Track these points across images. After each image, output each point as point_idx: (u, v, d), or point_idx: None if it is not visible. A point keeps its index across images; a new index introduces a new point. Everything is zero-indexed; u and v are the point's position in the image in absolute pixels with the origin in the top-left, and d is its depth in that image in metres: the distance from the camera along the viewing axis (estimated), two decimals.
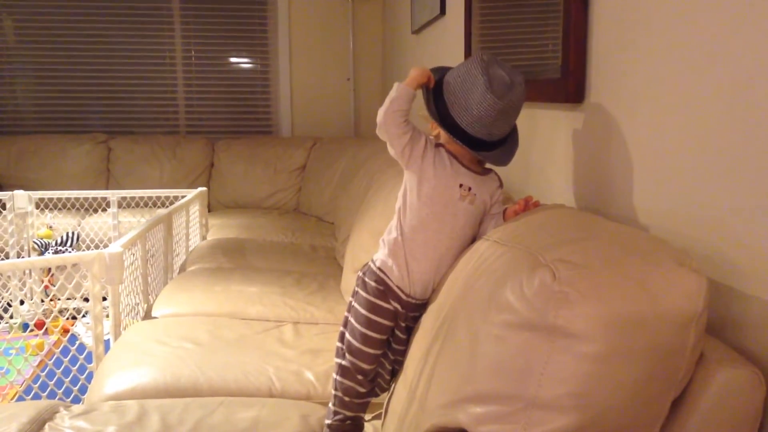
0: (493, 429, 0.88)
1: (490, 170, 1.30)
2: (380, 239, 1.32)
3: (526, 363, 0.86)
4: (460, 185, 1.24)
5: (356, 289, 1.32)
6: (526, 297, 0.87)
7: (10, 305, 3.23)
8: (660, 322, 0.82)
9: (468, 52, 2.23)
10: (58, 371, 2.01)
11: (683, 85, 1.07)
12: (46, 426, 1.32)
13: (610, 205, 1.30)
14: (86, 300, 2.00)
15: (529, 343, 0.86)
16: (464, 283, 1.12)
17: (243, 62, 4.78)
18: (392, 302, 1.27)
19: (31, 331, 2.28)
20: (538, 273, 0.87)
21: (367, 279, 1.29)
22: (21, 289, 3.22)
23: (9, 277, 3.20)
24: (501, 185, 1.31)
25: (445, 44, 2.71)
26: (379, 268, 1.28)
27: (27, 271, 3.19)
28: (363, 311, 1.28)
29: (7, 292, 3.16)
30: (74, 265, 2.11)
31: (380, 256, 1.30)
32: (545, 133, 1.64)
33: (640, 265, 0.86)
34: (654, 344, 0.82)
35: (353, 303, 1.31)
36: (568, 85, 1.40)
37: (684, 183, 1.07)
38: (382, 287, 1.27)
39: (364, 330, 1.27)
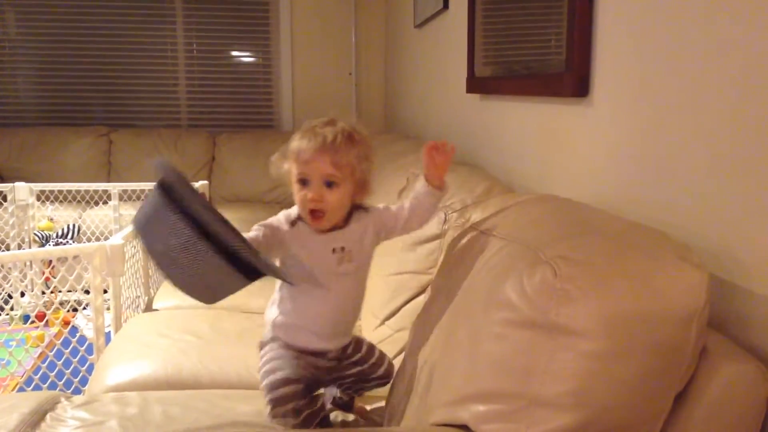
0: (496, 427, 0.88)
1: (352, 215, 1.26)
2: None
3: (527, 361, 0.85)
4: (333, 250, 1.23)
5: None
6: (527, 294, 0.87)
7: (11, 297, 3.23)
8: (662, 318, 0.82)
9: (471, 47, 2.23)
10: (59, 363, 2.01)
11: (689, 79, 1.06)
12: (47, 416, 1.32)
13: (613, 199, 1.30)
14: (87, 292, 2.00)
15: (530, 341, 0.85)
16: (462, 277, 1.12)
17: (245, 56, 4.77)
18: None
19: (32, 322, 2.28)
20: (539, 270, 0.87)
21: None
22: (22, 281, 3.22)
23: (10, 268, 3.20)
24: (367, 209, 1.28)
25: (449, 39, 2.70)
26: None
27: (28, 263, 3.19)
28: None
29: (8, 283, 3.16)
30: (75, 257, 2.12)
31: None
32: (549, 127, 1.64)
33: (642, 260, 0.86)
34: (656, 340, 0.82)
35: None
36: (572, 79, 1.40)
37: (688, 177, 1.07)
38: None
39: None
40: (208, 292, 1.08)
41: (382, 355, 1.38)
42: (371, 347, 1.37)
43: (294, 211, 1.25)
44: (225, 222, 1.07)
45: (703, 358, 0.86)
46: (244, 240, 1.07)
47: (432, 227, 1.61)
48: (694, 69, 1.05)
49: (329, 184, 1.19)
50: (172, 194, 1.00)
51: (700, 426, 0.85)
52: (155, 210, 1.02)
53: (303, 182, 1.20)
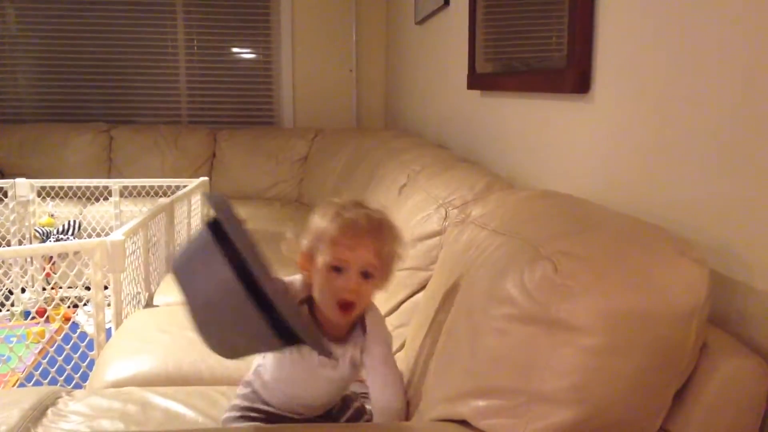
0: (496, 423, 0.88)
1: (355, 328, 1.15)
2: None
3: (528, 357, 0.85)
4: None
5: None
6: (528, 290, 0.87)
7: (11, 293, 3.23)
8: (662, 314, 0.82)
9: (473, 43, 2.22)
10: (60, 358, 2.01)
11: (691, 75, 1.06)
12: (49, 411, 1.32)
13: (614, 195, 1.29)
14: (88, 288, 2.00)
15: (531, 336, 0.85)
16: (462, 273, 1.12)
17: (245, 52, 4.76)
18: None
19: (33, 318, 2.28)
20: (540, 265, 0.87)
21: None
22: (23, 277, 3.22)
23: (11, 264, 3.20)
24: (366, 330, 1.15)
25: (450, 35, 2.70)
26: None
27: (29, 259, 3.19)
28: None
29: (8, 279, 3.16)
30: (76, 253, 2.11)
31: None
32: (549, 124, 1.64)
33: (642, 256, 0.86)
34: (656, 336, 0.82)
35: None
36: (573, 75, 1.40)
37: (689, 174, 1.07)
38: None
39: None
40: (233, 348, 0.98)
41: (375, 409, 1.19)
42: (360, 410, 1.26)
43: (297, 285, 1.14)
44: (272, 278, 0.96)
45: (704, 354, 0.86)
46: (292, 307, 0.99)
47: (432, 223, 1.61)
48: (696, 65, 1.05)
49: (366, 275, 1.08)
50: (224, 236, 0.89)
51: (700, 421, 0.86)
52: (202, 251, 0.92)
53: (337, 269, 1.08)
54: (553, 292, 0.83)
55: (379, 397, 1.15)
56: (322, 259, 1.08)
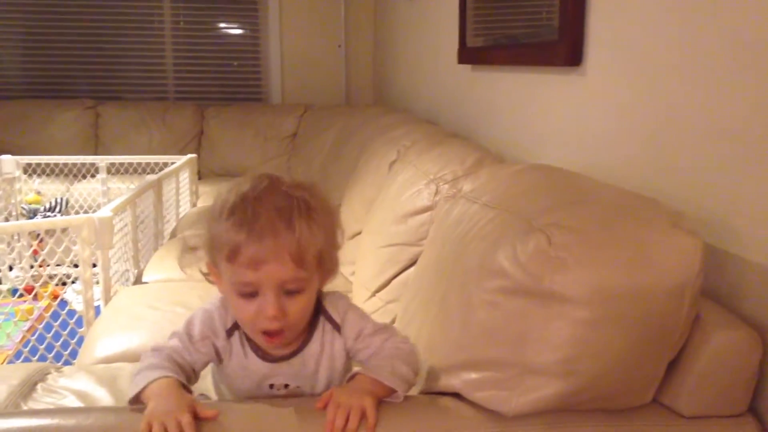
0: (488, 395, 0.88)
1: (315, 324, 0.94)
2: None
3: (520, 329, 0.85)
4: (271, 386, 0.94)
5: None
6: (521, 262, 0.86)
7: None
8: (655, 286, 0.82)
9: (463, 17, 2.20)
10: (49, 336, 2.00)
11: (685, 46, 1.05)
12: (38, 387, 1.31)
13: (607, 168, 1.29)
14: (76, 266, 1.99)
15: (523, 309, 0.85)
16: (454, 247, 1.11)
17: (233, 28, 4.70)
18: None
19: (21, 296, 2.26)
20: (533, 238, 0.86)
21: None
22: (10, 254, 3.19)
23: None
24: (337, 324, 0.95)
25: (440, 9, 2.67)
26: None
27: (15, 236, 3.16)
28: None
29: None
30: (64, 230, 2.09)
31: None
32: (541, 97, 1.63)
33: (635, 228, 0.86)
34: (649, 308, 0.82)
35: None
36: (565, 48, 1.38)
37: (681, 146, 1.06)
38: None
39: None
40: None
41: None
42: None
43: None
44: None
45: (696, 325, 0.87)
46: None
47: (423, 199, 1.60)
48: (690, 35, 1.04)
49: (289, 292, 0.85)
50: None
51: (693, 393, 0.86)
52: None
53: (248, 295, 0.85)
54: (546, 264, 0.83)
55: (387, 352, 0.95)
56: (225, 278, 0.87)
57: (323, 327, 0.95)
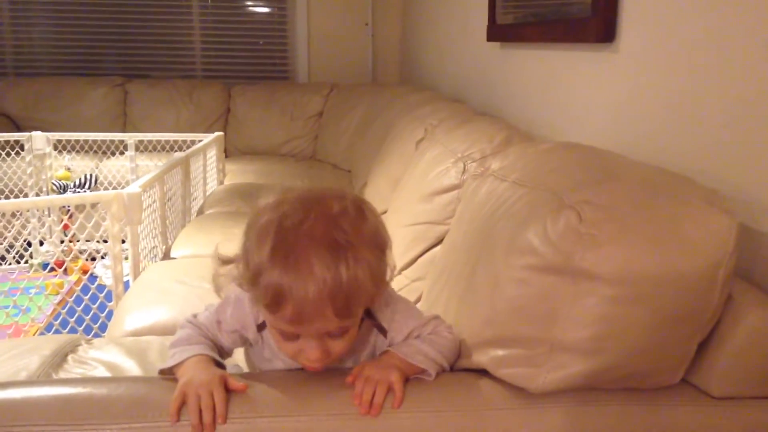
0: (515, 371, 0.87)
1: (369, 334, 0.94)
2: None
3: (549, 306, 0.84)
4: None
5: None
6: (551, 239, 0.85)
7: (29, 245, 3.26)
8: (688, 265, 0.80)
9: None
10: (79, 309, 2.03)
11: (720, 21, 1.03)
12: (69, 358, 1.34)
13: (639, 146, 1.27)
14: (105, 241, 2.02)
15: (553, 286, 0.84)
16: (482, 225, 1.11)
17: (260, 6, 4.70)
18: None
19: (51, 270, 2.30)
20: (563, 215, 0.85)
21: None
22: (41, 229, 3.25)
23: (29, 216, 3.22)
24: (383, 329, 0.94)
25: None
26: None
27: (46, 211, 3.21)
28: None
29: (26, 231, 3.19)
30: (94, 205, 2.12)
31: None
32: (572, 75, 1.60)
33: (668, 206, 0.84)
34: (681, 287, 0.81)
35: None
36: (597, 24, 1.36)
37: (716, 123, 1.04)
38: None
39: None
40: None
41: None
42: None
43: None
44: None
45: (728, 306, 0.85)
46: None
47: (450, 177, 1.59)
48: (724, 11, 1.01)
49: (332, 335, 0.84)
50: None
51: (724, 373, 0.85)
52: None
53: (293, 336, 0.84)
54: (577, 241, 0.82)
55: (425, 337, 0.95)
56: (264, 315, 0.86)
57: (368, 331, 0.95)
